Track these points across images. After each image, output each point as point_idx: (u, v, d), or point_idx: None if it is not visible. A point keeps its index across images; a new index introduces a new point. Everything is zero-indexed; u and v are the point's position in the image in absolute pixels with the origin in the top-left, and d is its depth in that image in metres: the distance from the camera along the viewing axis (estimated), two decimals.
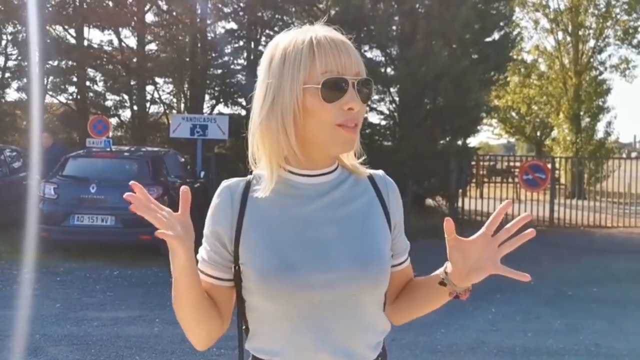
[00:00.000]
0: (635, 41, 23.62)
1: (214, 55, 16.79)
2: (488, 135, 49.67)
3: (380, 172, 1.46)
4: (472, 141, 28.11)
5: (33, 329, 5.68)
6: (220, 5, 16.05)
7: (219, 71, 17.14)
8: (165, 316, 6.10)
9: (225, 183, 1.36)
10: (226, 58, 17.03)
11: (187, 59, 15.74)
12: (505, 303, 6.98)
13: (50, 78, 15.28)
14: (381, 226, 1.37)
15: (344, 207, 1.33)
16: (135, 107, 16.30)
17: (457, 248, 1.32)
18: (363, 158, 1.41)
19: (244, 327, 1.38)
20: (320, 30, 1.28)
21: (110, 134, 13.69)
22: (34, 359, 4.98)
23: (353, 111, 1.24)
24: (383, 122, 16.85)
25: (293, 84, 1.24)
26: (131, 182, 1.25)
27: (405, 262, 1.48)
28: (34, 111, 13.49)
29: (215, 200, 1.35)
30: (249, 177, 1.36)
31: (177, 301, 1.29)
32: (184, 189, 1.24)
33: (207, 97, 17.07)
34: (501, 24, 15.04)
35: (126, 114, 17.43)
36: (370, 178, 1.41)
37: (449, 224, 1.29)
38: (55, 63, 15.26)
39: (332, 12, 15.71)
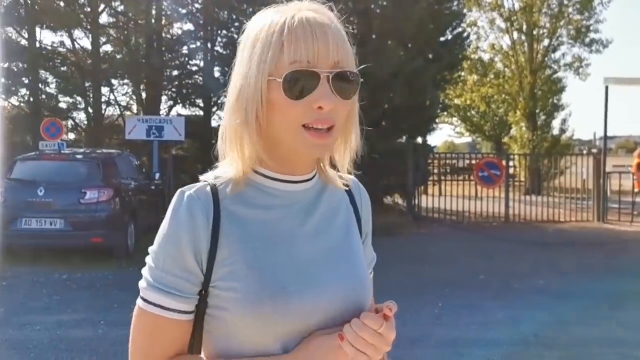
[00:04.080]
0: (587, 40, 24.21)
1: (170, 56, 16.69)
2: (451, 134, 50.28)
3: (352, 177, 1.27)
4: (434, 140, 28.66)
5: None
6: (176, 7, 15.96)
7: (176, 72, 17.04)
8: (111, 318, 6.06)
9: (187, 190, 1.10)
10: (183, 59, 16.95)
11: (143, 61, 15.61)
12: (452, 297, 7.12)
13: (2, 80, 14.96)
14: (359, 241, 1.23)
15: (330, 220, 1.17)
16: (90, 110, 16.08)
17: None
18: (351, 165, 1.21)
19: None
20: (302, 11, 1.08)
21: (65, 136, 13.49)
22: None
23: (323, 111, 1.04)
24: None
25: (258, 75, 1.05)
26: (387, 305, 1.05)
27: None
28: None
29: (181, 209, 1.08)
30: (212, 181, 1.12)
31: None
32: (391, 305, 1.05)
33: (164, 98, 16.96)
34: (454, 24, 15.29)
35: (81, 117, 17.22)
36: (346, 185, 1.25)
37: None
38: (7, 65, 14.97)
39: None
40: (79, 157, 10.51)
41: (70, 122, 16.72)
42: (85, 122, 17.01)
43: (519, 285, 7.82)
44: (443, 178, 17.08)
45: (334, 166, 1.21)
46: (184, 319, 1.07)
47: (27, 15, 14.80)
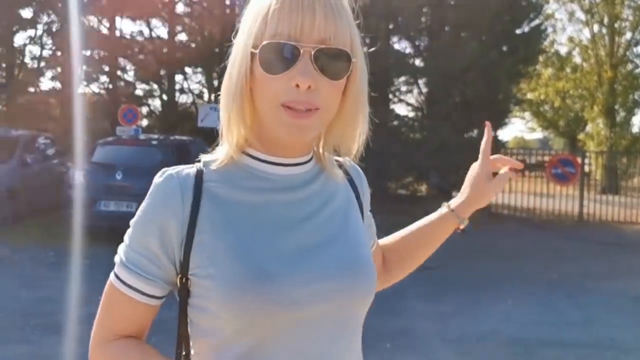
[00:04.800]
0: None
1: None
2: (522, 129, 48.85)
3: (346, 159, 1.21)
4: (505, 135, 27.89)
5: (58, 308, 5.88)
6: None
7: None
8: None
9: (170, 170, 1.05)
10: None
11: (216, 50, 15.92)
12: (522, 295, 6.96)
13: (83, 67, 15.61)
14: (361, 225, 1.17)
15: (324, 205, 1.10)
16: (165, 97, 16.57)
17: (482, 172, 1.33)
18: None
19: (183, 354, 1.08)
20: None
21: (140, 122, 13.95)
22: (54, 336, 5.17)
23: (300, 89, 0.96)
24: (411, 114, 16.84)
25: (245, 47, 1.00)
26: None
27: (374, 246, 1.30)
28: (68, 100, 13.85)
29: (157, 190, 1.03)
30: (199, 165, 1.07)
31: None
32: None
33: None
34: (531, 15, 14.85)
35: (156, 103, 17.77)
36: (343, 168, 1.19)
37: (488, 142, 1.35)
38: (88, 53, 15.59)
39: (360, 4, 15.72)
40: (155, 142, 10.86)
41: (145, 109, 17.29)
42: (160, 109, 17.53)
43: (594, 286, 7.56)
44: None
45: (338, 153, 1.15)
46: (143, 301, 1.04)
47: (108, 4, 15.36)
